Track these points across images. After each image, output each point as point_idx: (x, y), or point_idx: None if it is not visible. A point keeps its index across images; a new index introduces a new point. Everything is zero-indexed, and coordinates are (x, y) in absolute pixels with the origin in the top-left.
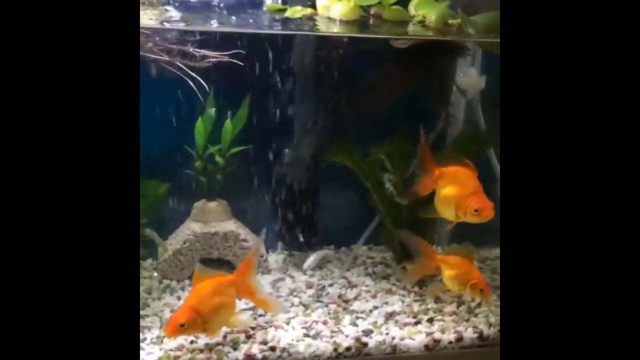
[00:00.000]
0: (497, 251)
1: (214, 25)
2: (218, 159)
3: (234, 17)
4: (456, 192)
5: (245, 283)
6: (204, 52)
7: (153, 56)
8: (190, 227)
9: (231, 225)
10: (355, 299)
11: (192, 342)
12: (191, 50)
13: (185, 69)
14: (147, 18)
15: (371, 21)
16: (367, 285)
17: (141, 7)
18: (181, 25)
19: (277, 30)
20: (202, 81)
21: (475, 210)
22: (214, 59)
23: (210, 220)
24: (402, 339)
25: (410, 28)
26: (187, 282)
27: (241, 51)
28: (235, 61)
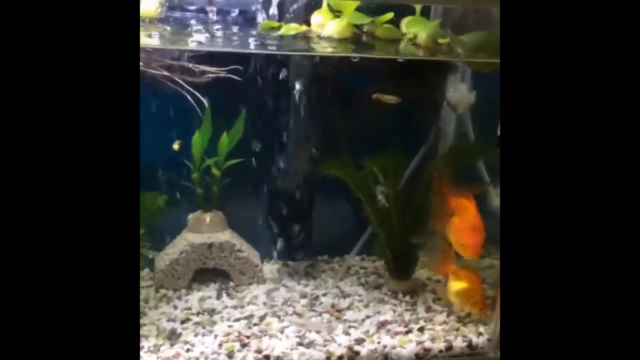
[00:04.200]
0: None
1: (207, 43)
2: (214, 171)
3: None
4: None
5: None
6: (202, 67)
7: (152, 71)
8: (187, 238)
9: (227, 236)
10: (348, 308)
11: (188, 350)
12: (190, 66)
13: (184, 84)
14: (146, 35)
15: (364, 38)
16: (359, 295)
17: (142, 26)
18: (176, 45)
19: (272, 50)
20: (199, 96)
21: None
22: (212, 74)
23: (206, 231)
24: (393, 347)
25: (402, 46)
26: (183, 291)
27: (238, 67)
28: (233, 76)
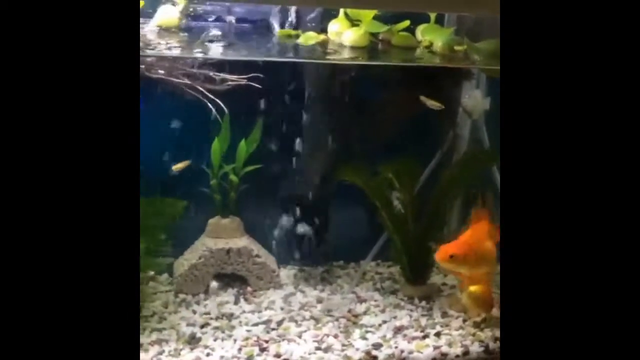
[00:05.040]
0: None
1: (225, 51)
2: (232, 177)
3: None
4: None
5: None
6: (223, 75)
7: (174, 79)
8: (205, 243)
9: (244, 242)
10: (365, 313)
11: (208, 354)
12: (211, 74)
13: (205, 91)
14: (167, 45)
15: (380, 46)
16: (375, 300)
17: (160, 34)
18: (196, 54)
19: (289, 57)
20: (220, 103)
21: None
22: (233, 82)
23: (224, 237)
24: (410, 352)
25: (418, 53)
26: (201, 296)
27: (259, 75)
28: (253, 84)
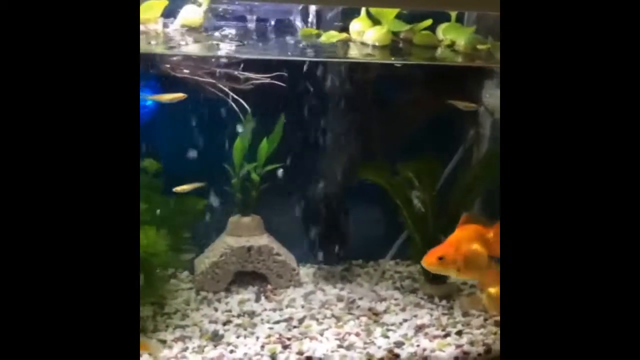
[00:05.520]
0: None
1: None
2: (253, 176)
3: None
4: None
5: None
6: (247, 74)
7: (198, 78)
8: (226, 241)
9: (265, 240)
10: (385, 311)
11: (231, 351)
12: (235, 73)
13: (228, 91)
14: (184, 43)
15: (400, 45)
16: (395, 299)
17: (185, 34)
18: (220, 52)
19: (311, 57)
20: (243, 102)
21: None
22: (257, 81)
23: (244, 235)
24: (432, 351)
25: (439, 52)
26: (222, 294)
27: (283, 74)
28: (276, 82)
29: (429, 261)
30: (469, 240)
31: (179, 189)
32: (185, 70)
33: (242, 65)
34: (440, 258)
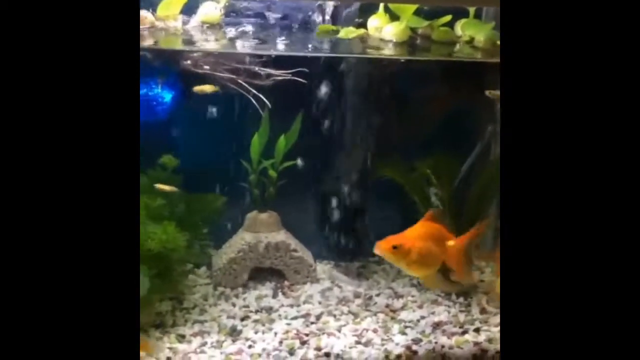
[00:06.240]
0: None
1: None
2: (271, 172)
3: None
4: None
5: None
6: (268, 70)
7: (218, 74)
8: (244, 237)
9: (282, 236)
10: (402, 308)
11: (250, 346)
12: (256, 69)
13: (249, 87)
14: (210, 40)
15: (418, 41)
16: (412, 296)
17: (203, 29)
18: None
19: (326, 52)
20: (264, 98)
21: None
22: (278, 77)
23: (262, 231)
24: (450, 347)
25: (458, 48)
26: (240, 289)
27: (304, 70)
28: (297, 79)
29: (383, 247)
30: (427, 238)
31: (159, 186)
32: (206, 67)
33: (263, 60)
34: (395, 247)
